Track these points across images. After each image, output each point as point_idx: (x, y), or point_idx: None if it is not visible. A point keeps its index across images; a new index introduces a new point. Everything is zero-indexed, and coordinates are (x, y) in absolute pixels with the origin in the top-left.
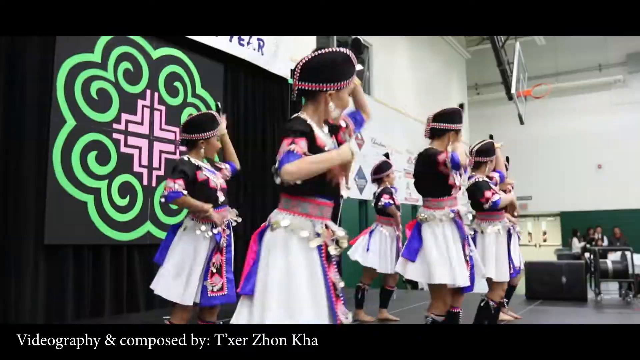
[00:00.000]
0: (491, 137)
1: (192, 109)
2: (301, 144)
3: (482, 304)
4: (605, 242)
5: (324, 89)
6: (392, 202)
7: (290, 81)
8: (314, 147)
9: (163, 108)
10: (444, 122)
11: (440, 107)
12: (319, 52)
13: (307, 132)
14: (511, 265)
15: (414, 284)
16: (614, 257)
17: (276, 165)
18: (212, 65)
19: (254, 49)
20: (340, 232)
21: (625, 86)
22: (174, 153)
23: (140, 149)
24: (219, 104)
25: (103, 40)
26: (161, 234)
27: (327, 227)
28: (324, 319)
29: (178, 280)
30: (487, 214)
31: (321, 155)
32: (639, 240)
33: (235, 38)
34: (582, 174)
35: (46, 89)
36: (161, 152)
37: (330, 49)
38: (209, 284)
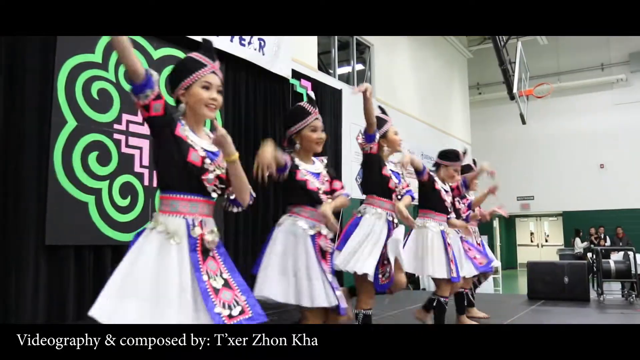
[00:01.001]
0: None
1: None
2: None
3: (434, 304)
4: (608, 242)
5: (178, 93)
6: None
7: (292, 81)
8: (176, 139)
9: None
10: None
11: (442, 107)
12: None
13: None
14: (454, 268)
15: (415, 284)
16: (616, 257)
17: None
18: None
19: (255, 49)
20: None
21: (628, 85)
22: None
23: (141, 149)
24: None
25: (104, 40)
26: None
27: (201, 223)
28: (187, 314)
29: None
30: (425, 211)
31: None
32: None
33: (237, 38)
34: (584, 174)
35: (47, 89)
36: None
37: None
38: None
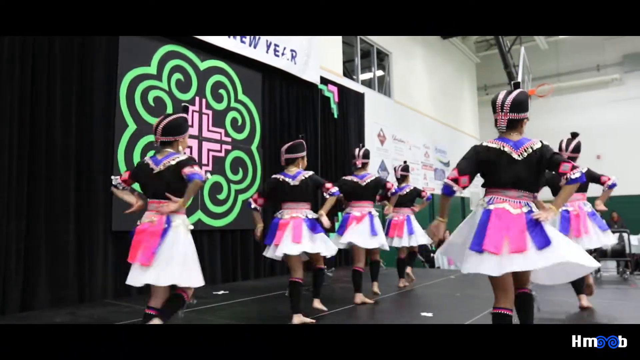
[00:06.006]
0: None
1: (235, 113)
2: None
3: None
4: None
5: (179, 139)
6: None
7: (320, 86)
8: None
9: (210, 112)
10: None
11: (453, 106)
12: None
13: None
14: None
15: (431, 263)
16: None
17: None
18: (251, 74)
19: (288, 59)
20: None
21: (622, 84)
22: (220, 151)
23: (191, 147)
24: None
25: (158, 54)
26: (210, 221)
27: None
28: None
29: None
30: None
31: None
32: (634, 223)
33: (272, 50)
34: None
35: (111, 98)
36: (209, 150)
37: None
38: None
